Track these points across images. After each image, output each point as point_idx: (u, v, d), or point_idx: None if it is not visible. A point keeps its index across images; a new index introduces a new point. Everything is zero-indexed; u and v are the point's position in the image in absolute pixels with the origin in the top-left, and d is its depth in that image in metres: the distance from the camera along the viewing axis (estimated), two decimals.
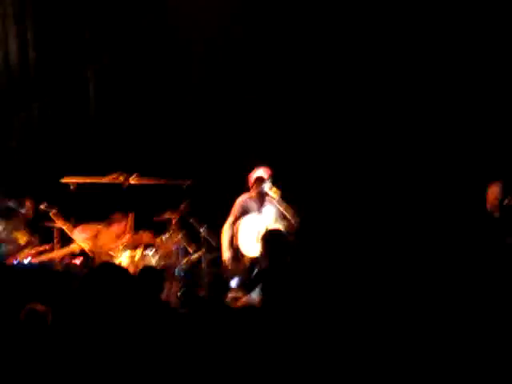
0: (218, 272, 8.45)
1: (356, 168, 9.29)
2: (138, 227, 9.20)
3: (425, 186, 8.89)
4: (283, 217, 8.14)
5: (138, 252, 8.73)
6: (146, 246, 8.94)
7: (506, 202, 6.93)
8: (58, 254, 8.30)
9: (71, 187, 8.44)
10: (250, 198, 8.30)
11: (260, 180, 8.24)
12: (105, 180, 8.73)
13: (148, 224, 9.07)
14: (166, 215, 8.88)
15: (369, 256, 7.31)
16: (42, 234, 8.40)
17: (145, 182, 8.84)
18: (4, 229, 7.64)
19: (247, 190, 8.38)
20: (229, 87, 10.05)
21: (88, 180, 8.67)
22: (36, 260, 8.11)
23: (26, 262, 7.76)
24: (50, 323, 6.39)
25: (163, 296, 6.90)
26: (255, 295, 6.30)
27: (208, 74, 10.21)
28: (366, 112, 9.42)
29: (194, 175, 8.97)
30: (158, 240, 8.99)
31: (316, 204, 9.01)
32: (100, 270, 4.42)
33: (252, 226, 8.14)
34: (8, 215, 7.88)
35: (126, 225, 9.25)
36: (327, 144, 9.54)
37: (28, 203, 8.33)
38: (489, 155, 8.69)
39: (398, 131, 9.25)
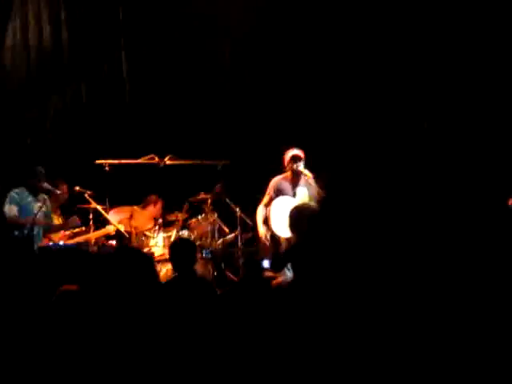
0: (252, 252, 8.43)
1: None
2: (172, 208, 9.23)
3: (447, 181, 8.72)
4: (316, 198, 8.07)
5: (173, 233, 8.76)
6: (181, 227, 8.97)
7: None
8: (93, 235, 8.34)
9: (106, 169, 8.47)
10: (284, 178, 8.23)
11: (294, 159, 8.15)
12: (140, 161, 8.75)
13: (183, 205, 9.09)
14: (201, 196, 8.90)
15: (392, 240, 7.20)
16: (77, 215, 8.42)
17: (179, 162, 8.85)
18: (40, 210, 7.66)
19: (282, 170, 8.30)
20: (265, 68, 9.98)
21: (123, 162, 8.69)
22: (71, 241, 8.15)
23: (61, 243, 7.78)
24: (83, 304, 6.42)
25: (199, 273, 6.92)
26: (290, 274, 6.26)
27: (244, 54, 10.15)
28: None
29: (228, 156, 8.94)
30: (193, 221, 9.02)
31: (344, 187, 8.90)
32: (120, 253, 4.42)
33: (285, 207, 8.09)
34: (44, 195, 7.90)
35: (160, 206, 9.30)
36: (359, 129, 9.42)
37: (62, 186, 8.37)
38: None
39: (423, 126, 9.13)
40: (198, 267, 7.08)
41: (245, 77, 10.13)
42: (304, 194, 8.16)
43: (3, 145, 9.31)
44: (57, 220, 8.36)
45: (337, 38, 9.57)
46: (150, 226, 9.01)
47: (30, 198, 7.67)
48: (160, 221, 9.18)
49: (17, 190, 7.64)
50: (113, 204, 8.64)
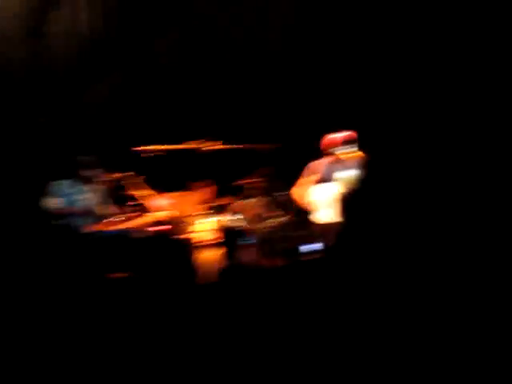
0: (298, 236, 8.40)
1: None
2: (221, 193, 9.25)
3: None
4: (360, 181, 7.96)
5: (222, 218, 8.77)
6: (230, 212, 8.99)
7: None
8: (141, 221, 8.38)
9: (153, 155, 8.51)
10: (329, 161, 8.14)
11: (342, 142, 8.07)
12: (188, 146, 8.78)
13: (231, 189, 9.11)
14: (250, 180, 8.89)
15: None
16: (126, 202, 8.49)
17: (227, 147, 8.85)
18: (87, 197, 7.74)
19: (325, 154, 8.23)
20: (314, 51, 9.90)
21: (171, 147, 8.72)
22: (120, 228, 8.21)
23: (109, 230, 7.84)
24: (132, 290, 6.51)
25: (245, 259, 6.94)
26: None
27: (294, 37, 10.07)
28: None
29: (278, 140, 8.91)
30: (242, 205, 9.03)
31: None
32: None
33: (325, 192, 8.02)
34: (90, 184, 7.97)
35: (209, 191, 9.33)
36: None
37: (109, 174, 8.43)
38: None
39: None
40: (244, 253, 7.07)
41: (295, 60, 10.06)
42: (349, 177, 8.07)
43: (48, 134, 9.41)
44: (106, 208, 8.42)
45: (384, 25, 9.45)
46: (201, 211, 9.05)
47: (75, 187, 7.71)
48: (211, 205, 9.22)
49: (61, 181, 7.68)
50: (161, 190, 8.71)
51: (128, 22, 9.91)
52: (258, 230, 8.61)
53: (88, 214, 7.68)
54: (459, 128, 8.80)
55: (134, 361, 5.22)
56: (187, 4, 10.02)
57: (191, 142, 8.73)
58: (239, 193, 9.13)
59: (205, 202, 9.25)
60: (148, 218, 8.42)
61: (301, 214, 8.49)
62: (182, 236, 8.51)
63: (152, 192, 8.49)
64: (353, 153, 7.99)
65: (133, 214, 8.45)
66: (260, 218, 8.79)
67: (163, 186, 8.76)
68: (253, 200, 8.91)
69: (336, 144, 8.04)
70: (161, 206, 8.50)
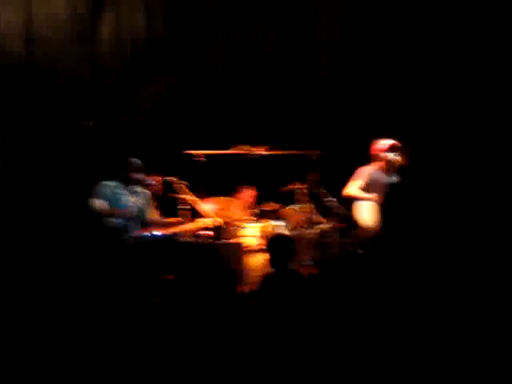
0: (347, 242, 8.35)
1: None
2: (266, 198, 9.24)
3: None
4: None
5: (268, 223, 8.75)
6: (276, 217, 8.97)
7: None
8: (190, 227, 8.37)
9: (200, 160, 8.51)
10: (378, 168, 8.13)
11: (392, 149, 8.06)
12: (233, 152, 8.77)
13: (277, 195, 9.10)
14: (295, 186, 8.87)
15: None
16: (171, 206, 8.49)
17: (274, 153, 8.84)
18: (134, 200, 7.73)
19: (372, 160, 8.20)
20: (357, 59, 9.89)
21: (216, 152, 8.72)
22: (168, 232, 8.20)
23: (156, 233, 7.83)
24: (180, 293, 6.50)
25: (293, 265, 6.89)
26: None
27: (338, 45, 10.06)
28: None
29: (322, 146, 8.88)
30: (287, 211, 9.01)
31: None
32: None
33: (371, 198, 8.01)
34: (138, 187, 7.96)
35: (254, 196, 9.32)
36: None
37: (157, 178, 8.42)
38: None
39: None
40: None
41: (337, 66, 10.04)
42: (393, 183, 8.05)
43: (98, 136, 9.45)
44: (153, 212, 8.41)
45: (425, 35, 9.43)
46: (246, 216, 9.04)
47: (122, 190, 7.68)
48: (255, 211, 9.20)
49: (107, 182, 7.65)
50: (207, 195, 8.71)
51: (179, 25, 9.93)
52: (303, 236, 8.58)
53: (134, 216, 7.65)
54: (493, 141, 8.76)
55: (176, 362, 5.23)
56: (236, 7, 10.04)
57: (238, 147, 8.72)
58: (285, 199, 9.11)
59: (249, 207, 9.25)
60: (194, 223, 8.41)
61: (347, 220, 8.45)
62: (227, 241, 8.50)
63: (199, 196, 8.48)
64: (398, 160, 8.00)
65: (179, 219, 8.44)
66: (305, 225, 8.76)
67: (209, 190, 8.76)
68: (298, 206, 8.88)
69: (385, 150, 8.04)
70: (206, 211, 8.49)
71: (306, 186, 8.77)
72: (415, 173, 7.84)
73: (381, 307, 5.29)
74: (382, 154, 8.11)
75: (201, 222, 8.43)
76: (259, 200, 9.37)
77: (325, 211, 8.83)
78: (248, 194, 9.33)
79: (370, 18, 9.84)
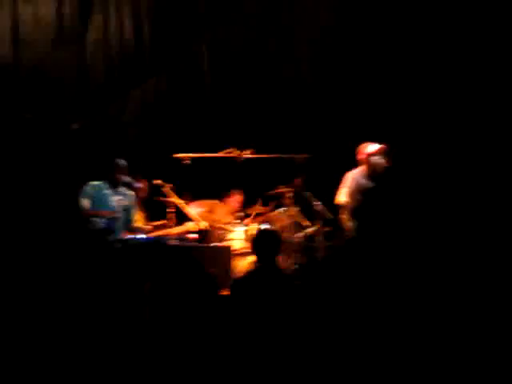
0: (333, 245, 8.37)
1: None
2: (252, 202, 9.24)
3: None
4: None
5: (253, 227, 8.75)
6: (261, 221, 8.97)
7: None
8: (175, 230, 8.37)
9: (186, 163, 8.51)
10: (362, 173, 8.10)
11: (378, 153, 8.05)
12: (219, 155, 8.78)
13: (263, 199, 9.10)
14: (281, 190, 8.88)
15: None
16: (157, 209, 8.49)
17: (259, 156, 8.84)
18: (119, 201, 7.74)
19: (359, 164, 8.20)
20: (344, 62, 9.90)
21: (202, 155, 8.73)
22: (152, 235, 8.20)
23: (141, 236, 7.83)
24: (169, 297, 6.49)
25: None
26: None
27: (323, 48, 10.08)
28: None
29: (308, 150, 8.89)
30: (273, 214, 9.02)
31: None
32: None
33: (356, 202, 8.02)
34: (124, 189, 7.95)
35: (240, 200, 9.33)
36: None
37: (142, 181, 8.42)
38: None
39: None
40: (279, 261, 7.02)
41: (324, 70, 10.06)
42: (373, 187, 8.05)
43: (85, 138, 9.43)
44: (138, 215, 8.41)
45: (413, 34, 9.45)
46: (230, 219, 9.04)
47: (107, 191, 7.68)
48: (240, 214, 9.20)
49: (92, 183, 7.66)
50: (192, 198, 8.71)
51: (166, 27, 9.92)
52: (289, 240, 8.58)
53: (118, 217, 7.65)
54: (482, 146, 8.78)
55: (163, 364, 5.23)
56: (222, 9, 10.05)
57: (224, 150, 8.72)
58: (271, 202, 9.13)
59: (234, 210, 9.25)
60: (179, 226, 8.41)
61: (332, 223, 8.47)
62: (213, 244, 8.50)
63: (184, 199, 8.47)
64: (383, 163, 7.98)
65: (165, 222, 8.45)
66: (291, 228, 8.76)
67: (195, 193, 8.76)
68: (284, 210, 8.89)
69: (373, 154, 8.01)
70: (192, 215, 8.49)
71: (291, 189, 8.78)
72: (400, 175, 7.86)
73: (366, 307, 5.29)
74: (370, 158, 8.08)
75: (186, 226, 8.44)
76: (245, 203, 9.38)
77: (311, 215, 8.85)
78: (235, 199, 9.33)
79: (358, 19, 9.84)
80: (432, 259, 5.89)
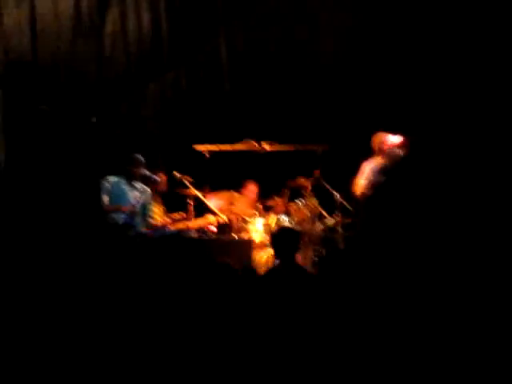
0: (354, 237, 8.33)
1: None
2: (272, 194, 9.22)
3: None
4: None
5: (273, 218, 8.75)
6: (281, 213, 8.96)
7: None
8: (195, 223, 8.38)
9: (205, 155, 8.51)
10: (379, 163, 8.04)
11: (394, 146, 8.00)
12: (239, 147, 8.77)
13: (282, 190, 9.08)
14: (300, 181, 8.85)
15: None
16: (176, 202, 8.49)
17: (279, 148, 8.83)
18: (138, 196, 7.75)
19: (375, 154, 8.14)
20: (365, 53, 9.84)
21: (222, 147, 8.72)
22: (173, 228, 8.21)
23: (163, 230, 7.84)
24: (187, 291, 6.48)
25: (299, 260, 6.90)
26: None
27: (345, 40, 10.01)
28: None
29: (328, 141, 8.86)
30: (293, 206, 8.99)
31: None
32: None
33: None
34: (142, 183, 7.96)
35: (255, 191, 9.29)
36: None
37: (162, 175, 8.42)
38: None
39: None
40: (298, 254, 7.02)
41: (344, 61, 9.99)
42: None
43: (102, 133, 9.42)
44: (157, 208, 8.42)
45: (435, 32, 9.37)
46: (250, 211, 9.02)
47: (125, 186, 7.70)
48: (260, 206, 9.19)
49: (110, 178, 7.68)
50: (212, 190, 8.71)
51: (184, 20, 9.87)
52: (308, 231, 8.57)
53: (137, 212, 7.67)
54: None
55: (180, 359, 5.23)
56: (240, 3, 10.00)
57: (243, 142, 8.72)
58: (290, 194, 9.10)
59: (253, 202, 9.23)
60: (199, 219, 8.42)
61: (352, 215, 8.44)
62: (234, 237, 8.50)
63: (204, 191, 8.48)
64: (398, 155, 7.93)
65: (183, 215, 8.45)
66: (310, 220, 8.75)
67: (214, 185, 8.76)
68: (303, 201, 8.86)
69: (393, 146, 7.96)
70: (211, 207, 8.50)
71: (310, 181, 8.76)
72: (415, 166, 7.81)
73: (383, 304, 5.27)
74: (391, 150, 8.01)
75: (206, 218, 8.46)
76: (264, 195, 9.36)
77: (330, 206, 8.82)
78: (251, 189, 9.30)
79: (378, 11, 9.77)
80: (439, 258, 5.86)
